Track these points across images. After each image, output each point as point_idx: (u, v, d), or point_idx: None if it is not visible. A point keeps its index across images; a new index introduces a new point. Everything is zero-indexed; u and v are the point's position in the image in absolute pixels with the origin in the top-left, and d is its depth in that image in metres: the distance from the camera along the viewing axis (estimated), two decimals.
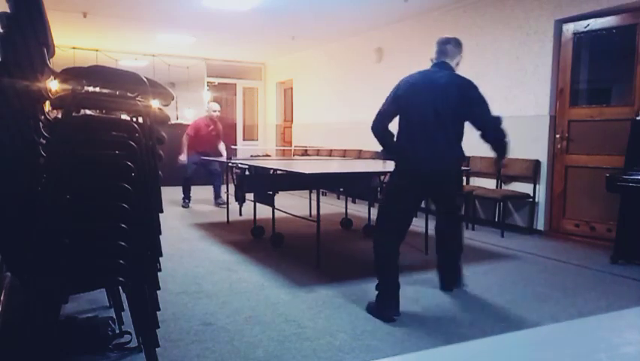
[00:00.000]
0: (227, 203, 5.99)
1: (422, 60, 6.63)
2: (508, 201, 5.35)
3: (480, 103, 3.00)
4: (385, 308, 2.86)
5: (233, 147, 9.44)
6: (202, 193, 7.33)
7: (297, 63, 10.18)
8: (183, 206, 6.93)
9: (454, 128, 3.03)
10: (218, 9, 6.49)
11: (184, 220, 5.87)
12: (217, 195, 7.07)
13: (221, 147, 7.13)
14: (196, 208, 6.83)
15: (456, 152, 3.08)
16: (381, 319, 2.82)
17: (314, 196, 5.24)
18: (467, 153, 6.13)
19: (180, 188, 6.97)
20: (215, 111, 7.03)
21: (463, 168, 5.86)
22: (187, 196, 6.99)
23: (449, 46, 3.16)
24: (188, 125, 7.42)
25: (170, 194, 6.99)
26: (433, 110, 2.93)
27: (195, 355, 2.35)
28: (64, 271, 1.85)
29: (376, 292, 2.92)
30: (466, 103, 2.97)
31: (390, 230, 2.99)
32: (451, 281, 3.35)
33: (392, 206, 3.06)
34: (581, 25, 4.86)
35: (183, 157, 6.82)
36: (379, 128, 3.13)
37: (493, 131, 3.02)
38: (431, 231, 4.81)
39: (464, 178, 6.01)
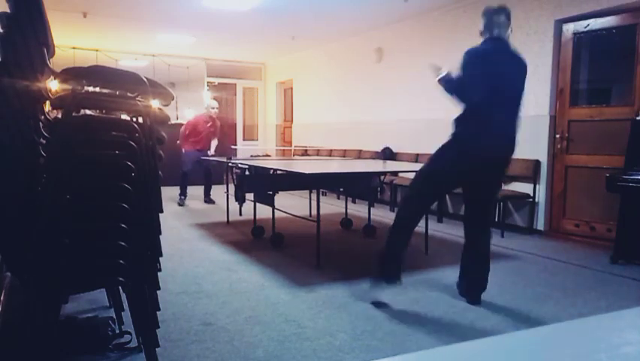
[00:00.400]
0: (227, 203, 5.99)
1: (422, 60, 6.66)
2: (508, 201, 5.35)
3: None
4: (390, 268, 2.93)
5: (233, 147, 9.45)
6: (199, 192, 7.39)
7: (297, 63, 10.18)
8: (179, 204, 7.03)
9: (519, 111, 2.90)
10: (218, 9, 6.49)
11: (184, 220, 5.87)
12: (207, 193, 7.27)
13: (213, 143, 7.29)
14: (194, 207, 6.83)
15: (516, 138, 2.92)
16: (384, 280, 2.90)
17: (314, 196, 5.23)
18: None
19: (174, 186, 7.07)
20: (213, 108, 7.18)
21: None
22: (184, 193, 7.10)
23: (503, 17, 2.86)
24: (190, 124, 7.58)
25: (170, 193, 7.02)
26: (509, 92, 2.80)
27: (195, 355, 2.35)
28: (64, 271, 1.85)
29: (382, 254, 3.00)
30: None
31: (422, 202, 3.01)
32: (477, 295, 3.11)
33: (436, 182, 2.99)
34: (581, 25, 4.86)
35: (180, 142, 7.05)
36: (475, 101, 2.81)
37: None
38: (433, 232, 4.82)
39: None
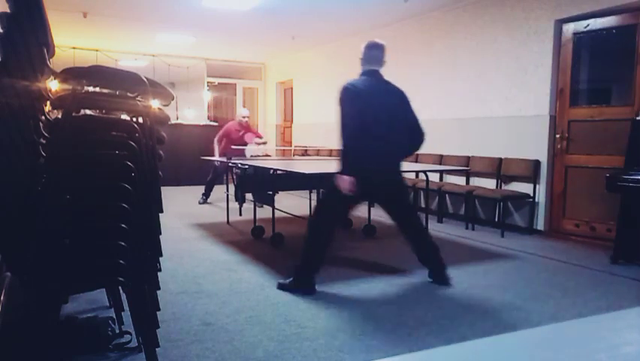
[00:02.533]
0: (227, 203, 6.00)
1: (422, 60, 6.66)
2: (508, 201, 5.35)
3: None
4: (307, 278, 3.19)
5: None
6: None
7: (297, 63, 10.18)
8: (200, 202, 7.24)
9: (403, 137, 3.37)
10: (218, 9, 6.49)
11: (184, 220, 5.87)
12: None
13: (249, 147, 7.46)
14: (199, 206, 6.84)
15: None
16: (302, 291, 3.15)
17: (314, 196, 5.24)
18: (467, 153, 6.15)
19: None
20: (244, 117, 7.33)
21: (463, 168, 5.88)
22: (207, 194, 7.32)
23: (378, 52, 3.25)
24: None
25: (194, 192, 7.03)
26: (386, 123, 3.22)
27: (195, 355, 2.35)
28: (65, 270, 1.85)
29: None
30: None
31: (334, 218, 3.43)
32: (443, 274, 3.45)
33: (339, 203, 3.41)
34: (581, 25, 4.86)
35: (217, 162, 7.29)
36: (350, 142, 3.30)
37: None
38: (433, 232, 4.81)
39: (465, 178, 6.01)
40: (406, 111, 3.26)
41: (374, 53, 3.22)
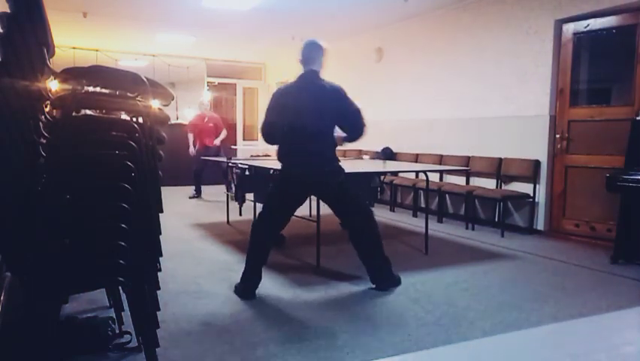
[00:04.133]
0: (227, 203, 6.00)
1: (422, 60, 6.66)
2: (508, 201, 5.35)
3: None
4: (247, 284, 3.19)
5: (233, 147, 9.47)
6: (210, 190, 7.72)
7: (297, 63, 10.16)
8: (190, 197, 7.57)
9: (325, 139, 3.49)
10: (218, 9, 6.49)
11: (184, 220, 5.87)
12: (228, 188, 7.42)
13: (218, 140, 7.68)
14: (199, 206, 6.84)
15: None
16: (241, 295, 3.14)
17: (314, 196, 5.23)
18: (467, 153, 6.15)
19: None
20: (202, 104, 7.83)
21: (463, 168, 5.89)
22: (198, 190, 7.68)
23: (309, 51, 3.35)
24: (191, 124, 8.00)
25: (176, 193, 7.02)
26: (305, 125, 3.37)
27: (195, 355, 2.35)
28: (65, 270, 1.85)
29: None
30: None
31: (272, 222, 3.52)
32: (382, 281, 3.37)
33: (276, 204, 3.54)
34: (581, 25, 4.86)
35: (192, 150, 7.58)
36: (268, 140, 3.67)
37: None
38: (433, 232, 4.82)
39: (465, 178, 6.02)
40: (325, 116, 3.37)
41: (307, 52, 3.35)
